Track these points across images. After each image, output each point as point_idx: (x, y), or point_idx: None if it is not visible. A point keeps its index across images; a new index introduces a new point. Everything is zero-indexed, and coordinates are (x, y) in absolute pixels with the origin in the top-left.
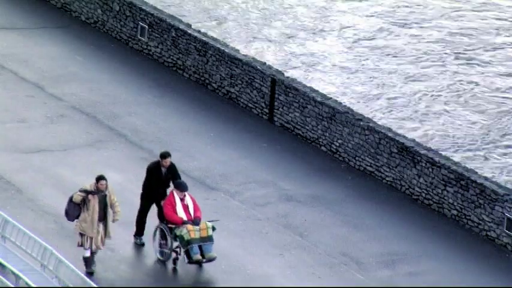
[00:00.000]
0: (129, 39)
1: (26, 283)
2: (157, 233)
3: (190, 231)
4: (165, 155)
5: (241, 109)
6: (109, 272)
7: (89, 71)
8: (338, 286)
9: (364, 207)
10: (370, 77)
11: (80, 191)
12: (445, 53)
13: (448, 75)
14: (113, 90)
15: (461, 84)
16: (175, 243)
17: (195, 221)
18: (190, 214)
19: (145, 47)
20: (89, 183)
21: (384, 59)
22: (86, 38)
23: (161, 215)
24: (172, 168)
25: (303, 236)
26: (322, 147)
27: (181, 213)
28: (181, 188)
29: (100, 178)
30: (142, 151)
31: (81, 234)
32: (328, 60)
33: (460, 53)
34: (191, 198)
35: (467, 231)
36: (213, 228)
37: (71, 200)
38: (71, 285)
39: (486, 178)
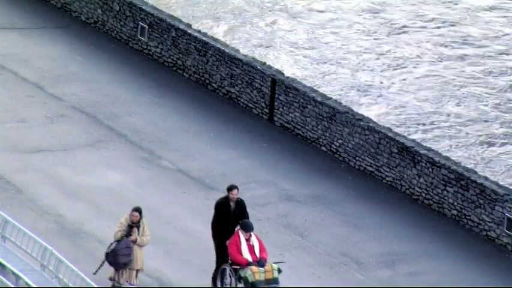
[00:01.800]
0: (129, 39)
1: (26, 283)
2: (222, 273)
3: (255, 273)
4: (231, 188)
5: (241, 109)
6: (109, 272)
7: (89, 71)
8: (338, 286)
9: (364, 207)
10: (323, 54)
11: (120, 230)
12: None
13: (390, 50)
14: (113, 90)
15: (398, 58)
16: (240, 285)
17: (260, 262)
18: (255, 255)
19: (145, 47)
20: (123, 217)
21: (334, 35)
22: (86, 38)
23: (226, 255)
24: (241, 204)
25: (303, 236)
26: (322, 147)
27: (246, 254)
28: (246, 228)
29: (134, 209)
30: (142, 151)
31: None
32: (280, 38)
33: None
34: (257, 238)
35: (467, 231)
36: (279, 270)
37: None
38: (71, 285)
39: (486, 178)
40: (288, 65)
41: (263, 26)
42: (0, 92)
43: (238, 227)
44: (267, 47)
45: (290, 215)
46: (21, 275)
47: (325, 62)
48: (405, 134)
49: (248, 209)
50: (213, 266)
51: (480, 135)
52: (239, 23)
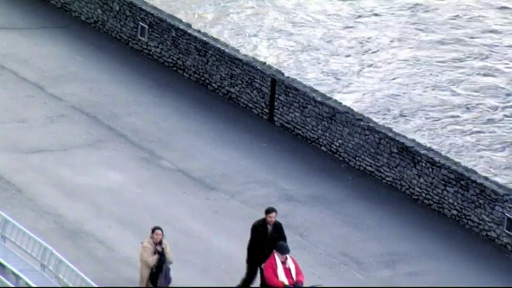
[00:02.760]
0: (129, 39)
1: (26, 283)
2: None
3: None
4: (269, 210)
5: (241, 109)
6: (109, 272)
7: (89, 71)
8: (338, 286)
9: (364, 207)
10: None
11: (147, 255)
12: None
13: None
14: (113, 90)
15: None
16: None
17: (297, 285)
18: (292, 278)
19: (145, 47)
20: (146, 240)
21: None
22: (86, 38)
23: (262, 278)
24: (278, 227)
25: (303, 236)
26: (322, 147)
27: (282, 277)
28: (282, 251)
29: (156, 228)
30: (142, 151)
31: None
32: (252, 24)
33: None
34: (293, 261)
35: (467, 231)
36: None
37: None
38: (71, 285)
39: (486, 178)
40: (263, 52)
41: (234, 12)
42: (0, 92)
43: (274, 250)
44: (238, 34)
45: (290, 215)
46: (21, 275)
47: (302, 50)
48: (377, 120)
49: (248, 209)
50: (214, 266)
51: (451, 121)
52: (213, 11)
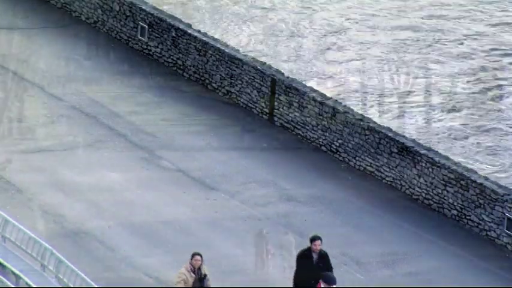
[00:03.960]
0: (129, 39)
1: (26, 283)
2: None
3: None
4: (314, 238)
5: (241, 109)
6: (109, 272)
7: (88, 71)
8: (338, 286)
9: (364, 207)
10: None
11: (180, 280)
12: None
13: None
14: (113, 90)
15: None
16: None
17: None
18: None
19: (145, 47)
20: (183, 266)
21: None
22: (86, 38)
23: None
24: (324, 256)
25: (303, 236)
26: (322, 147)
27: None
28: (329, 281)
29: (195, 254)
30: (142, 151)
31: None
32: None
33: None
34: None
35: (467, 231)
36: None
37: None
38: (71, 285)
39: (486, 178)
40: (234, 39)
41: None
42: (0, 92)
43: (320, 280)
44: (208, 19)
45: (290, 215)
46: (21, 275)
47: (271, 34)
48: (342, 102)
49: (248, 209)
50: (214, 266)
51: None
52: None
